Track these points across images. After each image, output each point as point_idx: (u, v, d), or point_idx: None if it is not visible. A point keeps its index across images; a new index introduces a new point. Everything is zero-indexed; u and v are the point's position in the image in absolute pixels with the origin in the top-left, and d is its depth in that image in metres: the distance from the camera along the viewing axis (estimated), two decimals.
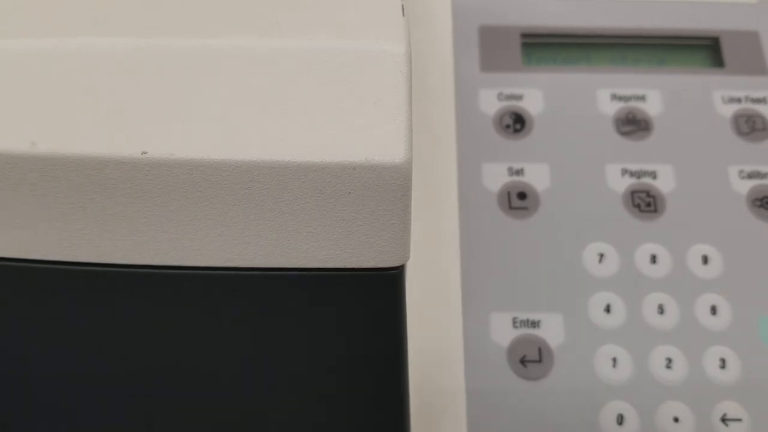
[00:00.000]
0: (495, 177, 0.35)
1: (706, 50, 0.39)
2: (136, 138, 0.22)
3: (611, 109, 0.37)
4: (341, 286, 0.25)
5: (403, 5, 0.27)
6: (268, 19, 0.26)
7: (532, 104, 0.37)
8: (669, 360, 0.32)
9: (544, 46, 0.39)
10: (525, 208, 0.35)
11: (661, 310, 0.33)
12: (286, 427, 0.29)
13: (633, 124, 0.37)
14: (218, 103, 0.23)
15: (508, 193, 0.35)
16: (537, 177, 0.35)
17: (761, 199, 0.35)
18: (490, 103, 0.37)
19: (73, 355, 0.27)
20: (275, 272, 0.24)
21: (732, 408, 0.31)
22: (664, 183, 0.35)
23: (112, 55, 0.24)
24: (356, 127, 0.23)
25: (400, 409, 0.28)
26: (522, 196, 0.35)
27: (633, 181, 0.35)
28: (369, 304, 0.26)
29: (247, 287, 0.25)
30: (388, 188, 0.22)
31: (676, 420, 0.31)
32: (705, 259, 0.34)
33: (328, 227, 0.23)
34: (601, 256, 0.34)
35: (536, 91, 0.38)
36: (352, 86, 0.23)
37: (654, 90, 0.38)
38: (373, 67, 0.24)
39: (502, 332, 0.32)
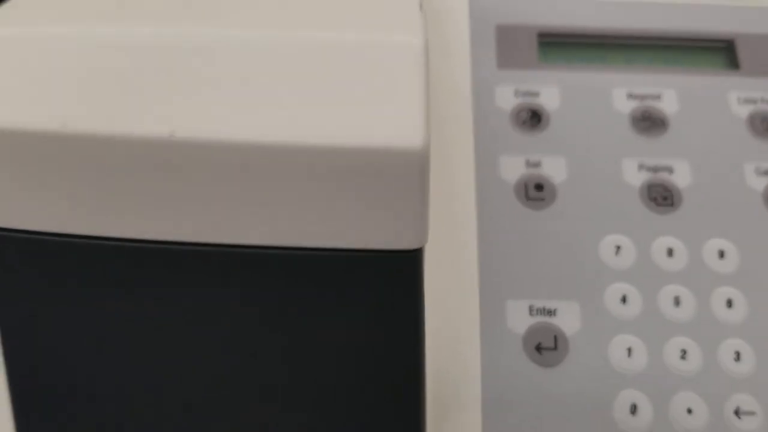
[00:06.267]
0: (512, 169, 0.36)
1: (721, 52, 0.40)
2: (164, 119, 0.23)
3: (627, 107, 0.38)
4: (362, 266, 0.25)
5: (420, 2, 0.28)
6: (290, 14, 0.27)
7: (548, 101, 0.38)
8: (684, 351, 0.32)
9: (561, 45, 0.40)
10: (542, 200, 0.35)
11: (677, 302, 0.33)
12: (306, 405, 0.29)
13: (649, 121, 0.37)
14: (245, 90, 0.24)
15: (525, 185, 0.35)
16: (554, 169, 0.36)
17: None
18: (506, 100, 0.38)
19: (95, 329, 0.27)
20: (297, 251, 0.25)
21: (746, 401, 0.31)
22: (681, 178, 0.35)
23: (142, 42, 0.25)
24: (377, 115, 0.23)
25: (416, 391, 0.28)
26: (539, 187, 0.35)
27: (650, 175, 0.36)
28: (388, 285, 0.26)
29: (270, 266, 0.25)
30: (407, 172, 0.23)
31: (689, 411, 0.31)
32: (721, 254, 0.34)
33: (349, 209, 0.24)
34: (618, 248, 0.34)
35: (553, 88, 0.38)
36: (372, 76, 0.24)
37: (670, 90, 0.38)
38: (393, 58, 0.25)
39: (519, 320, 0.32)
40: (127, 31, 0.25)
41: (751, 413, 0.31)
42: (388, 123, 0.23)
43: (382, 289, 0.26)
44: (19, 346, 0.28)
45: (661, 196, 0.35)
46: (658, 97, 0.38)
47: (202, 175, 0.24)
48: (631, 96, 0.38)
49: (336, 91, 0.24)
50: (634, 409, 0.31)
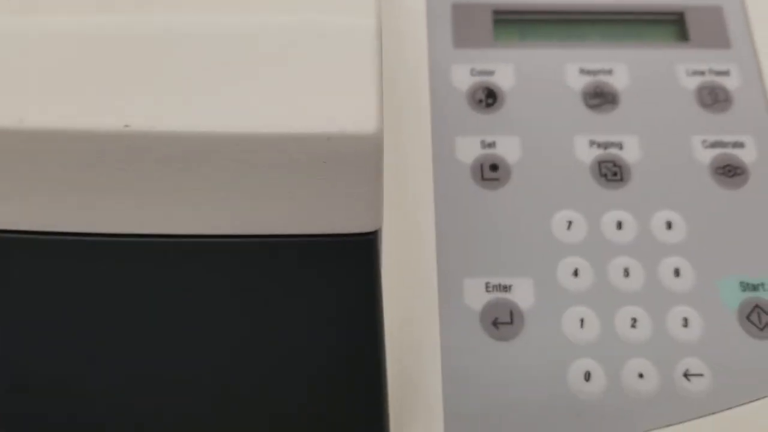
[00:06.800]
0: (468, 149, 0.37)
1: (671, 25, 0.41)
2: (116, 111, 0.24)
3: (579, 83, 0.39)
4: (318, 251, 0.26)
5: None
6: None
7: (503, 79, 0.39)
8: (634, 320, 0.33)
9: (515, 23, 0.41)
10: (497, 179, 0.36)
11: (626, 273, 0.34)
12: (266, 387, 0.30)
13: (600, 97, 0.38)
14: (195, 78, 0.24)
15: (481, 165, 0.37)
16: (508, 149, 0.37)
17: (723, 168, 0.37)
18: (462, 79, 0.39)
19: (71, 319, 0.28)
20: (254, 239, 0.26)
21: (694, 364, 0.33)
22: (630, 153, 0.37)
23: (92, 31, 0.25)
24: (330, 100, 0.24)
25: (377, 369, 0.30)
26: (494, 167, 0.37)
27: (600, 151, 0.37)
28: (345, 267, 0.27)
29: (227, 253, 0.26)
30: (361, 157, 0.24)
31: (641, 376, 0.33)
32: (669, 225, 0.35)
33: (304, 195, 0.25)
34: (570, 223, 0.35)
35: (507, 66, 0.39)
36: (324, 60, 0.25)
37: (620, 64, 0.39)
38: (345, 40, 0.25)
39: (476, 296, 0.34)
40: (76, 20, 0.25)
41: (700, 375, 0.33)
42: (340, 108, 0.24)
43: (339, 272, 0.27)
44: None
45: (611, 172, 0.36)
46: (609, 71, 0.39)
47: (158, 166, 0.24)
48: (583, 71, 0.39)
49: (286, 75, 0.24)
50: (588, 376, 0.33)
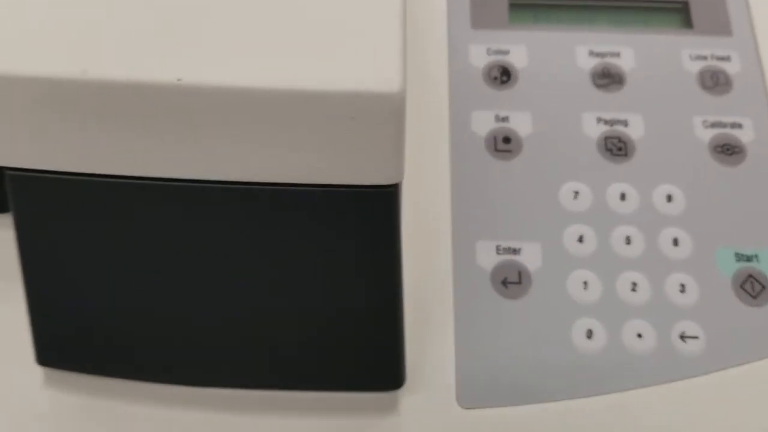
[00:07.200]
0: (483, 123, 0.39)
1: (676, 13, 0.43)
2: (166, 65, 0.26)
3: (588, 64, 0.41)
4: (345, 200, 0.28)
5: None
6: None
7: (517, 59, 0.41)
8: (634, 284, 0.36)
9: (529, 7, 0.43)
10: (509, 151, 0.39)
11: (628, 241, 0.37)
12: (293, 327, 0.32)
13: (608, 78, 0.41)
14: (235, 35, 0.26)
15: (495, 138, 0.39)
16: (521, 123, 0.39)
17: (722, 146, 0.39)
18: (479, 58, 0.41)
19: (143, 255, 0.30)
20: (285, 187, 0.28)
21: (690, 327, 0.35)
22: (635, 130, 0.39)
23: None
24: (358, 60, 0.26)
25: (394, 320, 0.32)
26: (507, 140, 0.39)
27: (606, 128, 0.39)
28: (368, 218, 0.29)
29: (260, 199, 0.28)
30: (385, 114, 0.26)
31: (639, 336, 0.35)
32: (669, 198, 0.38)
33: (333, 148, 0.27)
34: (576, 193, 0.38)
35: (521, 47, 0.41)
36: (348, 17, 0.26)
37: (628, 48, 0.42)
38: (371, 4, 0.27)
39: (487, 258, 0.36)
40: None
41: (695, 337, 0.35)
42: (367, 68, 0.25)
43: (362, 222, 0.29)
44: (36, 261, 0.31)
45: (616, 147, 0.39)
46: (617, 54, 0.41)
47: (200, 117, 0.26)
48: (592, 53, 0.41)
49: (312, 32, 0.26)
50: (590, 334, 0.35)
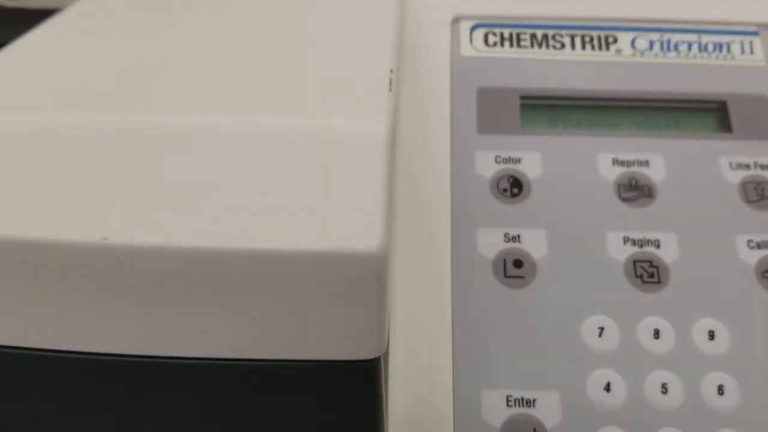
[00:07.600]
0: (490, 243, 0.34)
1: (712, 114, 0.38)
2: (97, 223, 0.21)
3: (612, 174, 0.36)
4: (315, 377, 0.23)
5: (391, 79, 0.26)
6: (248, 91, 0.25)
7: (530, 168, 0.36)
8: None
9: (543, 108, 0.38)
10: (521, 277, 0.33)
11: (664, 389, 0.31)
12: None
13: (635, 190, 0.35)
14: (187, 187, 0.22)
15: (504, 261, 0.34)
16: (534, 244, 0.34)
17: None
18: (486, 166, 0.36)
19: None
20: (251, 363, 0.23)
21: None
22: (668, 252, 0.34)
23: (79, 131, 0.23)
24: (330, 213, 0.21)
25: None
26: (518, 263, 0.33)
27: (635, 249, 0.34)
28: (344, 394, 0.24)
29: (224, 377, 0.24)
30: (361, 277, 0.21)
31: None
32: (711, 335, 0.32)
33: (299, 318, 0.22)
34: (602, 329, 0.32)
35: (534, 154, 0.36)
36: (327, 168, 0.22)
37: (657, 155, 0.36)
38: (351, 147, 0.23)
39: (496, 413, 0.30)
40: (70, 117, 0.23)
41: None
42: (341, 223, 0.21)
43: (338, 399, 0.24)
44: None
45: (647, 273, 0.33)
46: (645, 163, 0.36)
47: (139, 283, 0.22)
48: (616, 162, 0.36)
49: (286, 186, 0.22)
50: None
